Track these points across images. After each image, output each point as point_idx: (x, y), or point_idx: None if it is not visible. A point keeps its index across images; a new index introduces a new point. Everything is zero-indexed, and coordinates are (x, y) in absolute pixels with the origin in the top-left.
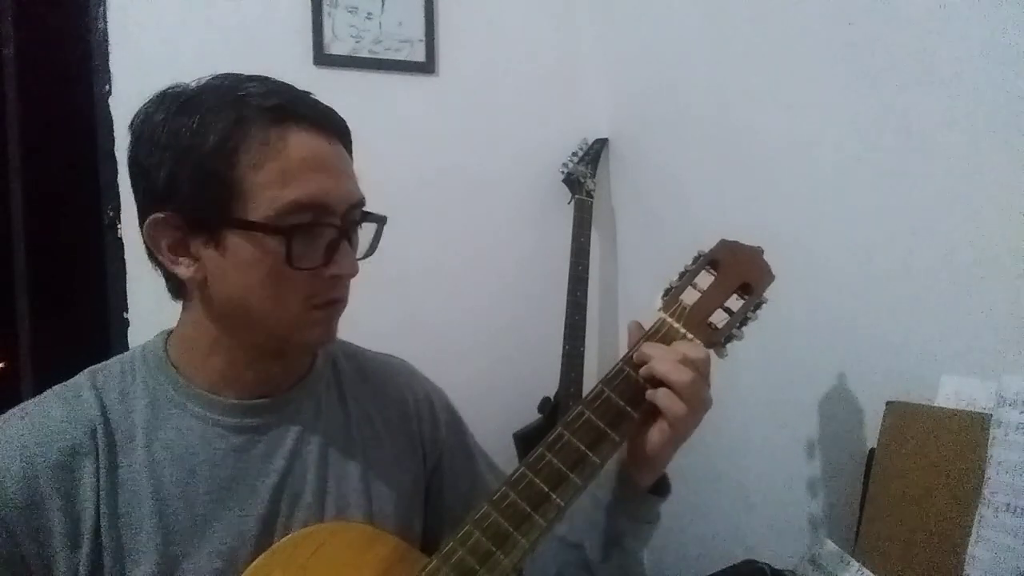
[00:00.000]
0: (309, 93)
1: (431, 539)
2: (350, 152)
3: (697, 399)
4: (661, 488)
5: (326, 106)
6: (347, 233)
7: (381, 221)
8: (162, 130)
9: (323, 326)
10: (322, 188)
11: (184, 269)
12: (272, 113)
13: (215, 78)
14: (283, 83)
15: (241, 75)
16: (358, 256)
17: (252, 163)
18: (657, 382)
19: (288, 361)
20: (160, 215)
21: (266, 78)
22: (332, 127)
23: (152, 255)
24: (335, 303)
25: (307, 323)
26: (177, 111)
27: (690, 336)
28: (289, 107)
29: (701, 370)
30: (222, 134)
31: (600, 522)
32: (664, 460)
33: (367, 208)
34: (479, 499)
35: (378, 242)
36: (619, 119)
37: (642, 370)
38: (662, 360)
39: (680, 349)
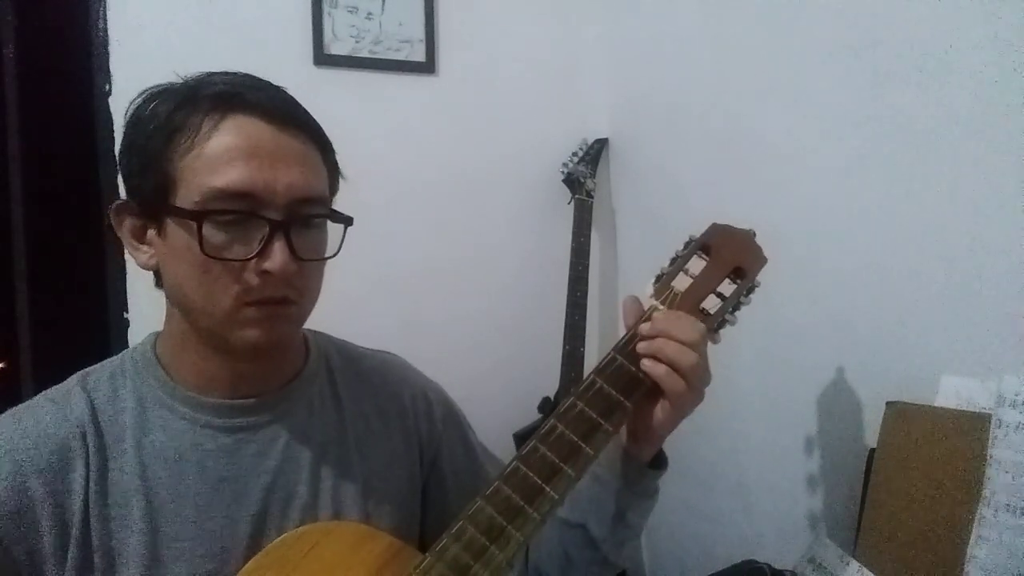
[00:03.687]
0: (280, 87)
1: (434, 535)
2: (321, 147)
3: (699, 379)
4: (658, 462)
5: (287, 98)
6: (284, 227)
7: (345, 222)
8: (131, 117)
9: (259, 326)
10: (250, 177)
11: (142, 256)
12: (216, 100)
13: (201, 73)
14: (253, 76)
15: (224, 71)
16: (312, 256)
17: (186, 149)
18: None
19: (268, 361)
20: (121, 200)
21: (241, 73)
22: (286, 117)
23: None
24: (270, 302)
25: (240, 321)
26: (144, 100)
27: None
28: (235, 93)
29: (701, 347)
30: (162, 119)
31: (603, 500)
32: (664, 436)
33: (338, 207)
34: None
35: (342, 244)
36: (619, 119)
37: (641, 346)
38: (666, 344)
39: (682, 332)
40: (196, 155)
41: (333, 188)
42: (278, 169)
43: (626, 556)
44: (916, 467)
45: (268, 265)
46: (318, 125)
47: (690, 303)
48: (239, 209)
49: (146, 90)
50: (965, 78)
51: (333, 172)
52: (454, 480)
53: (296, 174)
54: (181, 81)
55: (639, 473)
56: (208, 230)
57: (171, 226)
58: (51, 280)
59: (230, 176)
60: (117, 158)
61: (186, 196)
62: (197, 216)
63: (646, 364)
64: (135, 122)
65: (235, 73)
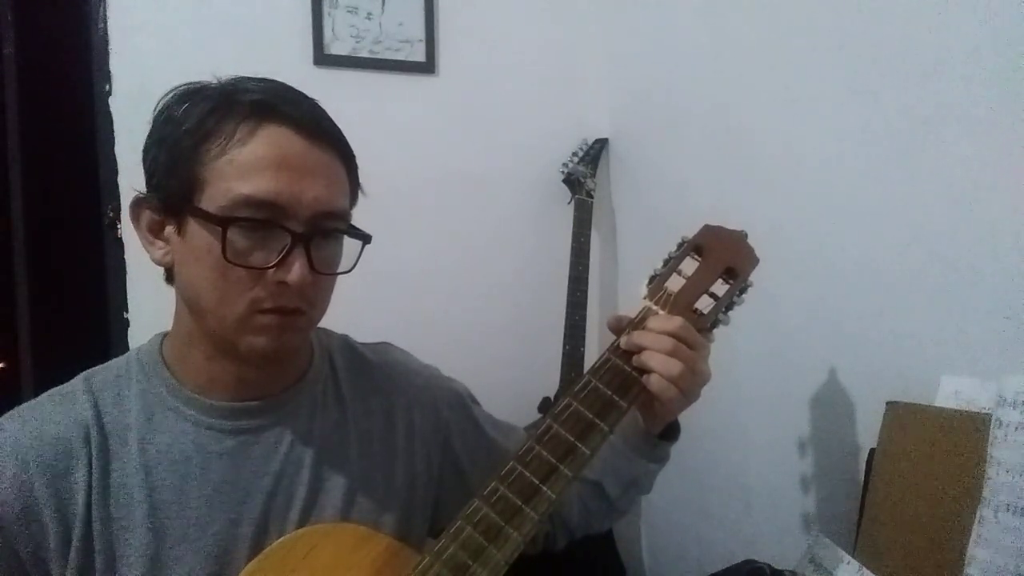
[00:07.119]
0: (313, 99)
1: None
2: (346, 163)
3: (689, 383)
4: (670, 432)
5: (319, 111)
6: (305, 240)
7: (363, 239)
8: (160, 115)
9: (268, 334)
10: (277, 188)
11: (157, 251)
12: (251, 107)
13: (233, 77)
14: (287, 86)
15: (258, 78)
16: (328, 270)
17: (217, 153)
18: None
19: (274, 366)
20: (142, 195)
21: (275, 81)
22: (318, 131)
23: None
24: (283, 312)
25: (251, 327)
26: (176, 99)
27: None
28: (271, 103)
29: (688, 343)
30: (197, 121)
31: (618, 467)
32: (669, 419)
33: (355, 223)
34: (498, 466)
35: (358, 260)
36: (619, 119)
37: (634, 360)
38: (651, 356)
39: (666, 340)
40: (227, 160)
41: (353, 203)
42: (305, 182)
43: (634, 503)
44: (916, 467)
45: (287, 277)
46: (346, 140)
47: (683, 304)
48: (263, 218)
49: (178, 88)
50: (966, 76)
51: (355, 188)
52: (469, 460)
53: (322, 188)
54: (215, 83)
55: (651, 444)
56: (231, 235)
57: (192, 226)
58: (51, 280)
59: (259, 185)
60: (142, 152)
61: (212, 199)
62: (223, 221)
63: (643, 379)
64: (166, 120)
65: (270, 81)
